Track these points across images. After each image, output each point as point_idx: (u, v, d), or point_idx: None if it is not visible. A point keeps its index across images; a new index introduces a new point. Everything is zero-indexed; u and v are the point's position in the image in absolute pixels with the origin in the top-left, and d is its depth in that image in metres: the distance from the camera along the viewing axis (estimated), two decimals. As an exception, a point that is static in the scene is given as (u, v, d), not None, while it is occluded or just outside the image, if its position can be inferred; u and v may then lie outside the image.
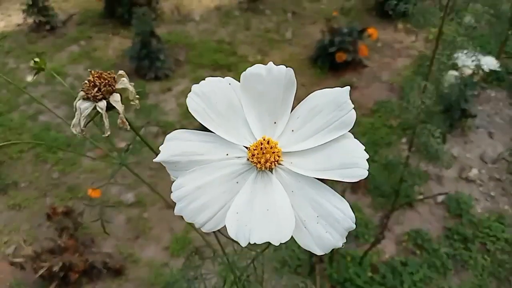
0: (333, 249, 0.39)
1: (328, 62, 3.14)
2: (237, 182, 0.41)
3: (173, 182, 0.42)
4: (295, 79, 0.43)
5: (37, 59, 0.57)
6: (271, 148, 0.41)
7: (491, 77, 3.01)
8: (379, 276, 1.96)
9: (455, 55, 2.09)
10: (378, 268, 1.99)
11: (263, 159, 0.41)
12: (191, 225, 0.41)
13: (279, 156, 0.42)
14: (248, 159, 0.42)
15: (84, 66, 3.31)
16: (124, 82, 0.50)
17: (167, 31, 3.62)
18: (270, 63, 0.44)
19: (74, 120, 0.49)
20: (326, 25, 3.16)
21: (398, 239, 2.16)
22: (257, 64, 0.44)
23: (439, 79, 2.05)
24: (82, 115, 0.48)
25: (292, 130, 0.43)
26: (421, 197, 2.32)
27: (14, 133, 2.78)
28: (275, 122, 0.43)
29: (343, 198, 0.39)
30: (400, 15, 3.60)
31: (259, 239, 0.37)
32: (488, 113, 2.83)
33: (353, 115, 0.42)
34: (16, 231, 2.22)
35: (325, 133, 0.41)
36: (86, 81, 0.49)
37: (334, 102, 0.42)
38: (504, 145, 2.62)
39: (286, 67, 0.43)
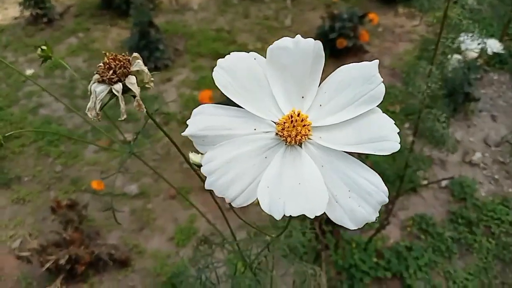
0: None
1: (329, 49, 3.10)
2: (266, 157, 0.41)
3: (201, 156, 0.41)
4: (323, 52, 0.42)
5: (44, 47, 0.56)
6: (301, 121, 0.41)
7: (494, 60, 2.98)
8: (384, 261, 1.97)
9: (460, 38, 2.07)
10: (383, 254, 1.99)
11: (294, 132, 0.40)
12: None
13: (309, 130, 0.41)
14: (277, 133, 0.41)
15: (82, 58, 3.29)
16: (139, 64, 0.49)
17: (165, 21, 3.59)
18: (298, 36, 0.43)
19: (89, 104, 0.48)
20: (326, 11, 3.12)
21: (402, 224, 2.16)
22: (284, 37, 0.43)
23: (443, 63, 2.03)
24: (98, 98, 0.47)
25: (320, 105, 0.42)
26: (425, 182, 2.32)
27: (15, 127, 2.77)
28: (302, 97, 0.42)
29: (374, 172, 0.39)
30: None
31: (294, 212, 0.36)
32: (491, 96, 2.81)
33: (382, 88, 0.41)
34: (21, 225, 2.22)
35: (354, 107, 0.40)
36: (101, 64, 0.48)
37: (363, 76, 0.41)
38: (507, 128, 2.61)
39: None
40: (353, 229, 0.38)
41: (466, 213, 2.15)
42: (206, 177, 0.41)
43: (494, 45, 2.05)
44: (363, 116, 0.40)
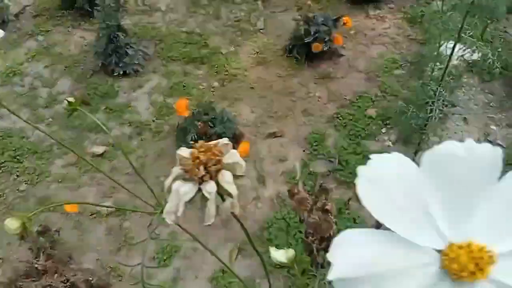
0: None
1: (304, 52, 3.07)
2: None
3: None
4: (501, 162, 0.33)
5: (71, 99, 0.48)
6: (479, 251, 0.30)
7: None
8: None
9: (441, 45, 2.09)
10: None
11: (471, 266, 0.30)
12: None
13: (492, 262, 0.30)
14: (442, 267, 0.31)
15: (44, 64, 3.07)
16: (233, 155, 0.39)
17: (133, 23, 3.41)
18: (470, 141, 0.33)
19: (168, 206, 0.38)
20: (300, 14, 3.08)
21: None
22: (449, 141, 0.34)
23: (422, 70, 2.04)
24: (182, 200, 0.38)
25: (493, 222, 0.32)
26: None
27: (-30, 142, 2.54)
28: (470, 215, 0.33)
29: None
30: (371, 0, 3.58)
31: None
32: (462, 99, 2.88)
33: None
34: (-16, 251, 2.04)
35: None
36: (186, 155, 0.38)
37: None
38: (479, 131, 2.68)
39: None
40: None
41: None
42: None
43: (472, 53, 2.08)
44: None
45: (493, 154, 0.31)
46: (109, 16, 2.77)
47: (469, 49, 1.98)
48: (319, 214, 1.17)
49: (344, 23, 3.09)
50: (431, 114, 2.16)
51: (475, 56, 2.03)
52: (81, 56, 3.13)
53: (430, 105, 2.15)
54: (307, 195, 1.27)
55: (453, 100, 2.22)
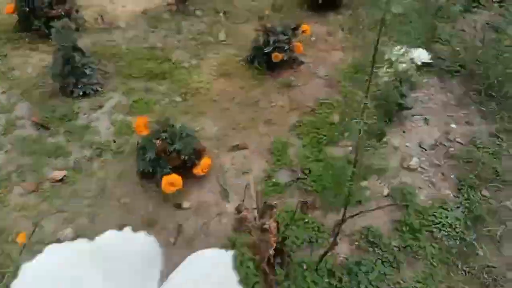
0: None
1: (265, 62, 3.08)
2: None
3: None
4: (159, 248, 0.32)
5: None
6: None
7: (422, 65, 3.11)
8: (336, 280, 1.96)
9: (389, 50, 2.11)
10: (334, 272, 1.99)
11: None
12: None
13: None
14: None
15: (1, 89, 3.00)
16: None
17: (92, 41, 3.37)
18: (128, 229, 0.33)
19: None
20: (260, 24, 3.09)
21: (350, 238, 2.17)
22: (111, 230, 0.33)
23: (375, 74, 2.06)
24: None
25: None
26: (368, 193, 2.34)
27: None
28: None
29: None
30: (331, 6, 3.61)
31: None
32: (422, 99, 2.92)
33: None
34: None
35: None
36: None
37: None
38: (439, 130, 2.72)
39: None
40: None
41: (409, 220, 2.21)
42: None
43: (422, 55, 2.12)
44: None
45: (150, 247, 0.31)
46: (64, 38, 2.73)
47: (415, 51, 2.01)
48: (258, 234, 1.16)
49: (303, 31, 3.11)
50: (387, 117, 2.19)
51: (426, 57, 2.07)
52: (39, 79, 3.08)
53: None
54: (250, 213, 1.26)
55: (408, 102, 2.25)
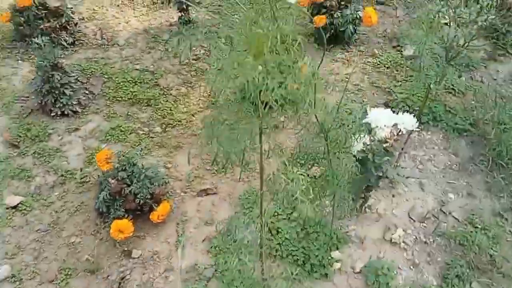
0: None
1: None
2: None
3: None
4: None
5: None
6: None
7: (427, 117, 2.81)
8: None
9: (368, 113, 1.86)
10: None
11: None
12: None
13: None
14: None
15: (-17, 100, 2.93)
16: None
17: (85, 58, 3.27)
18: None
19: None
20: (255, 57, 2.88)
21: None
22: None
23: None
24: None
25: None
26: (338, 265, 2.08)
27: None
28: None
29: None
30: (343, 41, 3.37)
31: None
32: (421, 159, 2.62)
33: None
34: None
35: None
36: None
37: None
38: (435, 199, 2.41)
39: None
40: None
41: (378, 309, 1.92)
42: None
43: (408, 122, 1.85)
44: None
45: None
46: (44, 56, 2.62)
47: (401, 116, 1.75)
48: None
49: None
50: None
51: (412, 125, 1.79)
52: (24, 93, 2.99)
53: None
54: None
55: (389, 173, 1.97)
